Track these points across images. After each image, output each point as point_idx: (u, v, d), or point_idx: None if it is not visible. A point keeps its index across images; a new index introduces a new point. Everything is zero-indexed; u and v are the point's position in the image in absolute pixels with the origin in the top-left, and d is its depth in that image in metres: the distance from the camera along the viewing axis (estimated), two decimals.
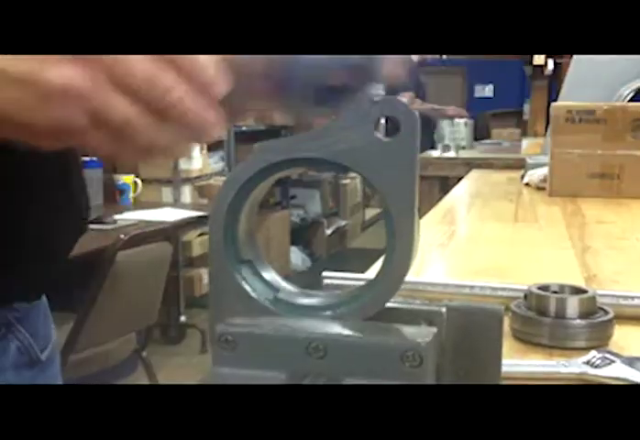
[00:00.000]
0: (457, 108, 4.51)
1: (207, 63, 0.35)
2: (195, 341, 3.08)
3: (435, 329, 0.34)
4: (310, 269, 4.58)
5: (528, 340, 0.54)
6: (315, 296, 0.37)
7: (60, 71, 0.33)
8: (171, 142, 0.37)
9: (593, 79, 1.76)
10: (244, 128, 3.64)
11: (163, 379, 2.26)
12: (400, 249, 0.34)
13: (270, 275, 0.37)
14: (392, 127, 0.33)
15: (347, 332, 0.33)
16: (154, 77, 0.34)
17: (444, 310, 0.36)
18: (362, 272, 0.70)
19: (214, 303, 0.37)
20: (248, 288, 0.36)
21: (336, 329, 0.33)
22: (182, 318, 3.14)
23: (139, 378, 2.44)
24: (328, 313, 0.35)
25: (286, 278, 0.38)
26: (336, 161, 0.34)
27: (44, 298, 0.61)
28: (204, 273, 3.26)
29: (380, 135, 0.33)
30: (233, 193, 0.36)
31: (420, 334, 0.33)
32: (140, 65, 0.34)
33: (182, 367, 2.86)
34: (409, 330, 0.34)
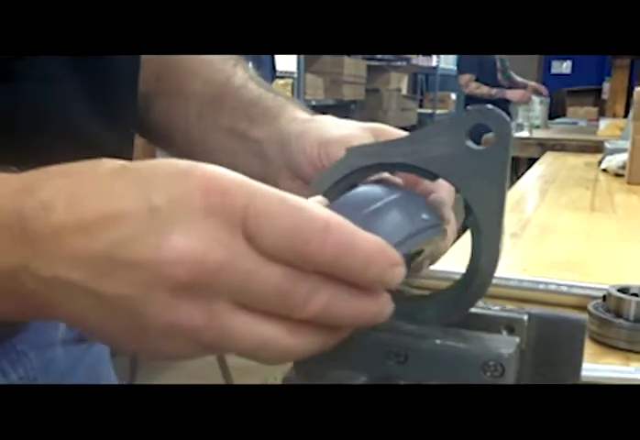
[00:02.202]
0: (516, 91, 4.27)
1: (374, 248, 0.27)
2: None
3: (517, 339, 0.34)
4: None
5: (605, 343, 0.53)
6: (398, 298, 0.37)
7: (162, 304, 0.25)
8: (314, 348, 0.29)
9: None
10: (313, 103, 3.63)
11: None
12: (485, 257, 0.34)
13: None
14: (485, 136, 0.33)
15: (429, 338, 0.33)
16: (286, 285, 0.26)
17: (526, 318, 0.36)
18: None
19: None
20: None
21: (418, 335, 0.34)
22: None
23: None
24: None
25: None
26: (426, 168, 0.34)
27: None
28: None
29: (471, 143, 0.33)
30: (321, 194, 0.36)
31: (502, 343, 0.33)
32: (265, 278, 0.26)
33: None
34: (491, 339, 0.34)
